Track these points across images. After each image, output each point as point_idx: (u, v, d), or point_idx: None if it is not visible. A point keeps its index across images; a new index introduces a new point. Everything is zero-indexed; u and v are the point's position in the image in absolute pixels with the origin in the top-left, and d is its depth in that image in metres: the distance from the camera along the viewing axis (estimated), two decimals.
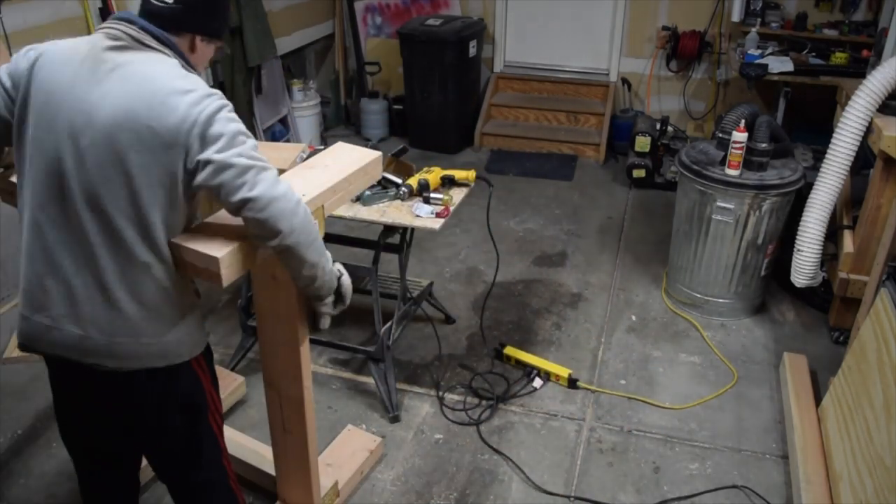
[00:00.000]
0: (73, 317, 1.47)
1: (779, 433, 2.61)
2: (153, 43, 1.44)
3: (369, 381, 2.83)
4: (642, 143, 4.52)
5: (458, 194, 2.60)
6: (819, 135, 3.83)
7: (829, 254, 3.12)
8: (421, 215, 2.45)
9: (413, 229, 2.59)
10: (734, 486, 2.38)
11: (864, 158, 3.13)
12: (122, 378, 1.53)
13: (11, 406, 2.72)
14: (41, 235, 1.47)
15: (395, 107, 5.40)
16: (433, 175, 2.61)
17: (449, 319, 3.21)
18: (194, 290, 1.61)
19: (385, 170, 2.66)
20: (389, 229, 2.52)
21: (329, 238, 3.36)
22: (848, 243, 2.99)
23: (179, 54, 1.49)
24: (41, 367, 2.90)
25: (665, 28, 5.05)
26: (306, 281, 1.60)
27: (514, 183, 4.69)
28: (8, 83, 1.47)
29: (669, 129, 4.79)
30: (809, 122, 4.52)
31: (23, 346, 1.57)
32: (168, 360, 1.55)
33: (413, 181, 2.57)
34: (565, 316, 3.30)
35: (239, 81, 4.22)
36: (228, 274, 1.49)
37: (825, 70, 4.12)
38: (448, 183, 2.63)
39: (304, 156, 2.76)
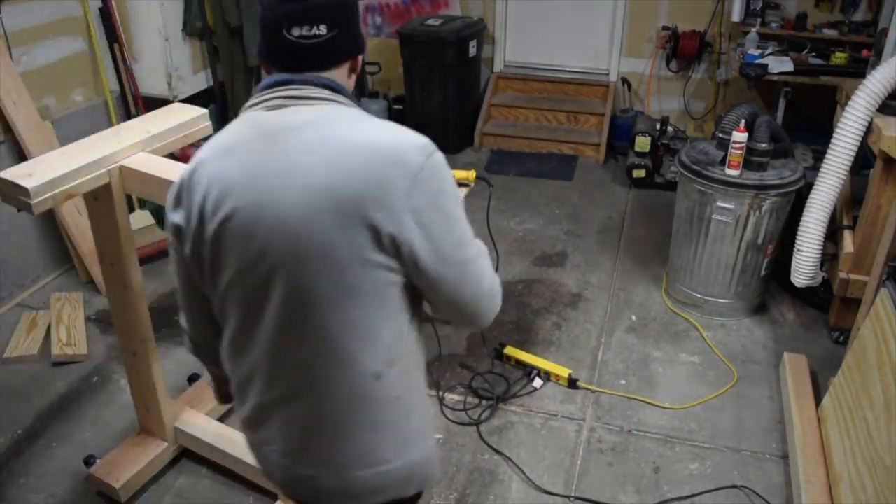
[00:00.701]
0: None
1: (779, 433, 2.61)
2: (321, 94, 1.14)
3: None
4: (642, 143, 4.52)
5: None
6: (819, 135, 3.83)
7: (829, 254, 3.12)
8: None
9: None
10: (734, 486, 2.38)
11: (864, 158, 3.13)
12: None
13: (11, 406, 2.72)
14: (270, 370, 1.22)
15: (395, 107, 5.39)
16: None
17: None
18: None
19: None
20: None
21: None
22: (848, 243, 2.98)
23: (348, 94, 1.19)
24: (41, 367, 2.92)
25: (665, 28, 5.05)
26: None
27: (514, 183, 4.69)
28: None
29: (669, 129, 4.78)
30: (809, 122, 4.52)
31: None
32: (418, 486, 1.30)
33: None
34: (565, 316, 3.30)
35: (239, 81, 4.22)
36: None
37: (825, 70, 4.12)
38: None
39: None
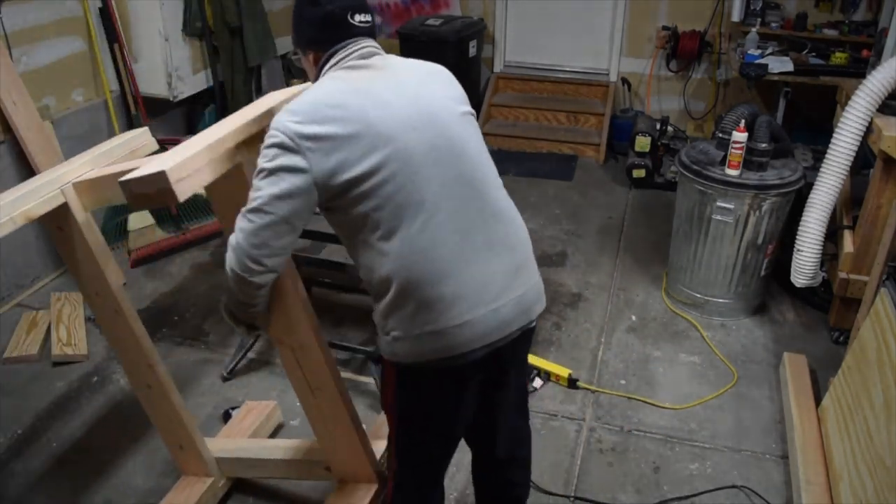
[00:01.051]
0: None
1: (779, 433, 2.61)
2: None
3: (369, 381, 2.83)
4: (642, 143, 4.52)
5: None
6: (819, 135, 3.83)
7: (829, 254, 3.12)
8: None
9: None
10: (734, 486, 2.38)
11: (864, 158, 3.13)
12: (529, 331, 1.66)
13: (11, 406, 2.72)
14: (439, 236, 1.52)
15: None
16: None
17: None
18: None
19: None
20: None
21: (329, 238, 3.37)
22: (848, 243, 2.98)
23: None
24: (41, 367, 2.92)
25: (665, 28, 5.05)
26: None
27: (514, 183, 4.69)
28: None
29: (669, 129, 4.79)
30: (809, 122, 4.52)
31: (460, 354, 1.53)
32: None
33: None
34: (565, 316, 3.30)
35: (239, 81, 4.22)
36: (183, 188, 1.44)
37: (825, 70, 4.12)
38: None
39: None
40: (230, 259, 1.49)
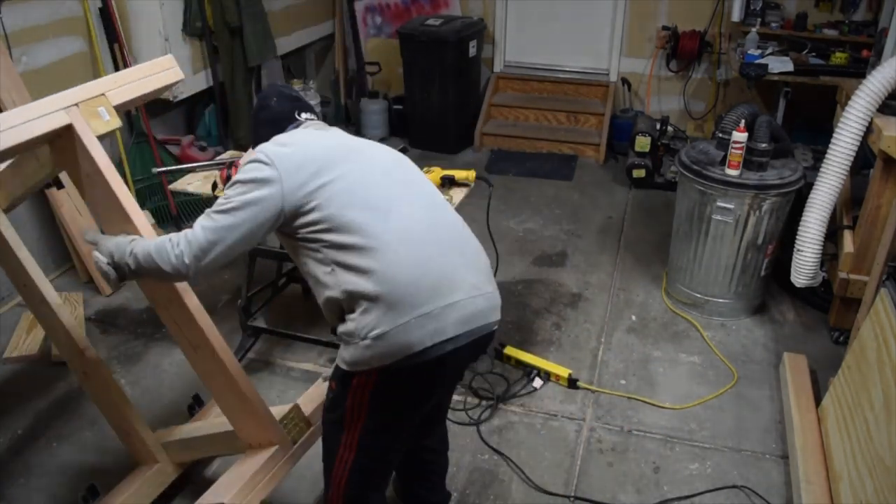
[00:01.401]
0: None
1: (779, 433, 2.61)
2: None
3: None
4: (642, 143, 4.52)
5: (458, 194, 2.60)
6: (819, 135, 3.83)
7: (829, 254, 3.12)
8: None
9: None
10: (734, 486, 2.38)
11: (864, 158, 3.13)
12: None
13: (11, 406, 2.72)
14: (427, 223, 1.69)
15: (395, 107, 5.39)
16: (433, 175, 2.61)
17: None
18: None
19: None
20: None
21: None
22: (848, 243, 2.98)
23: None
24: (41, 367, 2.92)
25: (665, 28, 5.05)
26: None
27: (514, 183, 4.69)
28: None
29: (669, 129, 4.79)
30: (809, 122, 4.52)
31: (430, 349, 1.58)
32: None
33: None
34: (565, 316, 3.30)
35: (239, 81, 4.22)
36: None
37: (825, 70, 4.12)
38: (448, 183, 2.64)
39: None
40: (176, 248, 1.58)
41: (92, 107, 1.85)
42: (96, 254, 1.72)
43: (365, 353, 1.58)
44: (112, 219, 1.82)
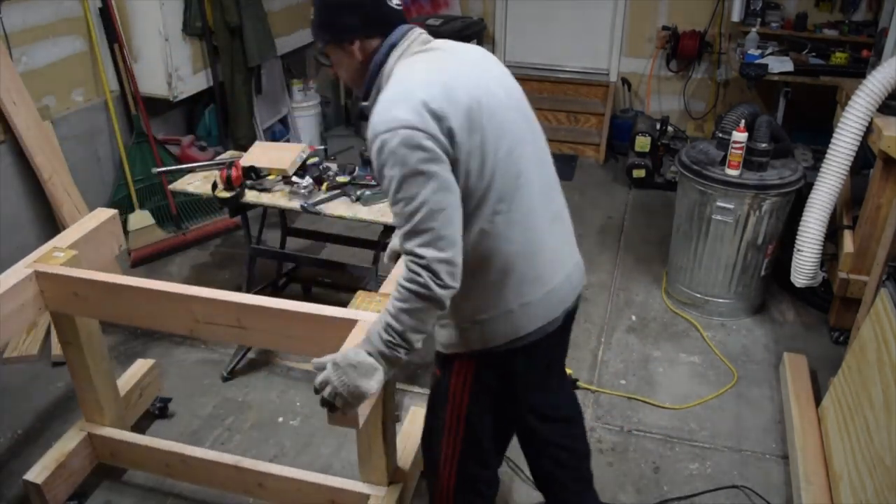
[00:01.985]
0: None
1: (779, 433, 2.61)
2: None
3: None
4: (642, 143, 4.52)
5: None
6: (819, 135, 3.83)
7: (829, 254, 3.12)
8: None
9: None
10: (734, 486, 2.38)
11: (864, 158, 3.13)
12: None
13: (11, 406, 2.72)
14: (527, 214, 1.56)
15: None
16: None
17: None
18: None
19: None
20: (389, 229, 2.52)
21: (329, 238, 3.37)
22: (848, 243, 2.98)
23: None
24: (41, 367, 2.91)
25: (665, 28, 5.05)
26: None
27: None
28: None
29: (669, 129, 4.79)
30: (809, 122, 4.52)
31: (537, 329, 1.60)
32: None
33: None
34: None
35: (239, 81, 4.22)
36: None
37: (825, 70, 4.12)
38: None
39: (304, 155, 2.76)
40: (422, 283, 1.36)
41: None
42: (364, 384, 1.46)
43: (468, 338, 1.56)
44: None
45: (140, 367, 2.65)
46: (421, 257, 1.35)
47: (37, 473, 2.18)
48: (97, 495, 2.34)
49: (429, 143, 1.33)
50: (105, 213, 2.27)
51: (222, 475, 2.21)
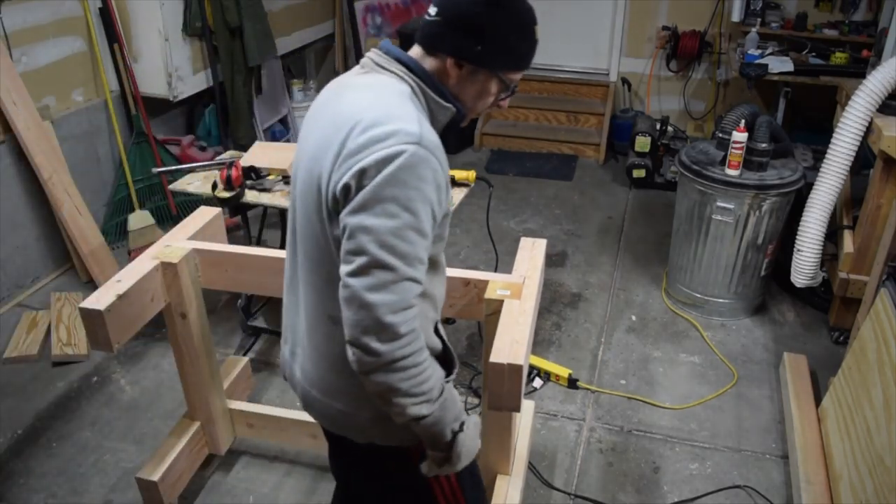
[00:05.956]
0: (295, 355, 1.43)
1: (779, 433, 2.61)
2: (390, 65, 1.23)
3: None
4: (642, 143, 4.52)
5: (457, 194, 2.60)
6: (819, 135, 3.83)
7: (829, 254, 3.12)
8: None
9: None
10: (737, 486, 2.38)
11: (864, 158, 3.13)
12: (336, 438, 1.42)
13: (11, 406, 2.72)
14: (289, 275, 1.40)
15: None
16: None
17: (448, 319, 3.21)
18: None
19: None
20: None
21: None
22: (848, 243, 2.98)
23: (426, 79, 1.24)
24: (41, 367, 2.92)
25: (665, 28, 5.05)
26: (399, 415, 1.19)
27: (514, 183, 4.69)
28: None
29: (669, 129, 4.79)
30: (809, 122, 4.52)
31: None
32: (367, 439, 1.36)
33: None
34: (565, 316, 3.30)
35: (239, 81, 4.22)
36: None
37: (825, 70, 4.11)
38: None
39: None
40: (381, 327, 1.10)
41: None
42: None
43: None
44: None
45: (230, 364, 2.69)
46: None
47: (151, 470, 2.18)
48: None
49: None
50: (211, 212, 2.28)
51: None
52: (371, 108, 1.15)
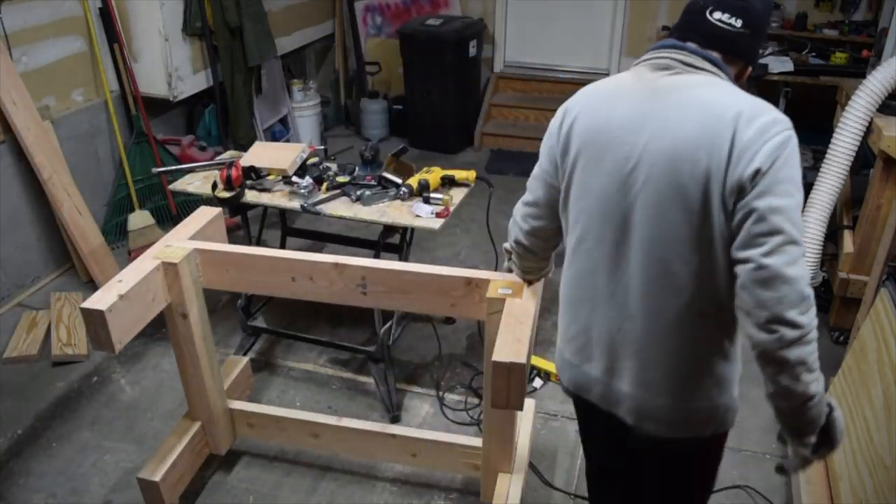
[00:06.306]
0: (616, 372, 1.43)
1: (779, 433, 2.61)
2: (706, 66, 1.28)
3: (369, 381, 2.82)
4: None
5: (458, 194, 2.60)
6: (819, 135, 3.83)
7: (829, 254, 3.12)
8: (421, 215, 2.45)
9: (413, 229, 2.59)
10: (737, 486, 2.38)
11: (864, 158, 3.13)
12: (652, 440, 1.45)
13: (11, 406, 2.72)
14: (590, 283, 1.40)
15: (395, 107, 5.39)
16: (433, 175, 2.61)
17: (449, 319, 3.21)
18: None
19: (385, 170, 2.67)
20: (389, 229, 2.52)
21: (329, 238, 3.37)
22: (848, 243, 2.98)
23: (731, 81, 1.31)
24: (41, 367, 2.92)
25: (665, 28, 5.05)
26: (796, 395, 1.29)
27: (514, 183, 4.68)
28: (549, 165, 1.44)
29: None
30: (809, 122, 4.52)
31: (567, 391, 1.59)
32: (711, 431, 1.47)
33: (413, 181, 2.57)
34: None
35: (239, 81, 4.22)
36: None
37: (825, 70, 4.12)
38: (448, 183, 2.64)
39: (304, 155, 2.76)
40: (802, 299, 1.18)
41: None
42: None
43: None
44: None
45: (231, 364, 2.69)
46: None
47: (152, 470, 2.18)
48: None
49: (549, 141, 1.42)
50: (211, 212, 2.29)
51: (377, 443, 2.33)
52: (739, 101, 1.23)
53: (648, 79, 1.30)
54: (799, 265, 1.18)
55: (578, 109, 1.37)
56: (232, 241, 3.98)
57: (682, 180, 1.22)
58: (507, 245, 1.72)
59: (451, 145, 5.17)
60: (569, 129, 1.37)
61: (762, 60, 4.15)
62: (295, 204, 2.56)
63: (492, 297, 1.78)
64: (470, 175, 2.67)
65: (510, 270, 1.80)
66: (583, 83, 1.54)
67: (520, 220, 1.58)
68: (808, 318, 1.19)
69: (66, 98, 3.57)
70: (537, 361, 2.88)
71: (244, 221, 2.86)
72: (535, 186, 1.50)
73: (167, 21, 3.75)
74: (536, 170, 1.48)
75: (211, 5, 3.95)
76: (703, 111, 1.22)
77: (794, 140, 1.22)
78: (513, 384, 1.57)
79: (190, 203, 4.01)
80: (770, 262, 1.16)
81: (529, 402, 2.48)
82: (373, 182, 2.62)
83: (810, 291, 1.19)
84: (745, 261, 1.19)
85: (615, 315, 1.38)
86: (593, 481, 1.81)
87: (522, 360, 1.55)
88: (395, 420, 2.64)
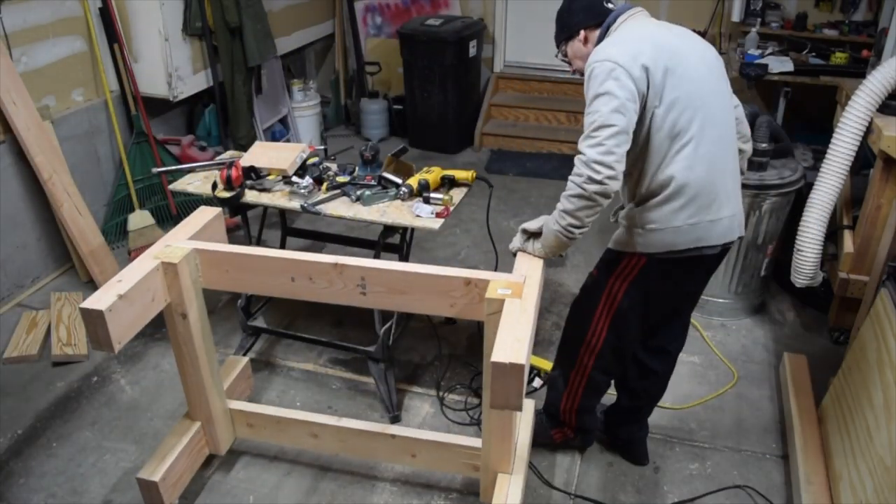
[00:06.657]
0: (733, 202, 1.97)
1: (779, 433, 2.61)
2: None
3: (369, 381, 2.83)
4: None
5: (458, 194, 2.60)
6: (819, 135, 3.83)
7: (829, 254, 3.12)
8: (421, 215, 2.45)
9: (413, 229, 2.59)
10: (737, 486, 2.38)
11: (864, 158, 3.13)
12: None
13: (11, 406, 2.72)
14: (709, 152, 1.87)
15: (395, 107, 5.39)
16: (433, 175, 2.61)
17: (449, 319, 3.21)
18: None
19: (385, 170, 2.67)
20: (389, 229, 2.52)
21: (329, 238, 3.37)
22: (848, 243, 2.98)
23: None
24: (41, 367, 2.92)
25: None
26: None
27: (514, 183, 4.69)
28: (632, 102, 1.80)
29: None
30: (809, 122, 4.52)
31: (685, 256, 1.93)
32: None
33: (413, 181, 2.57)
34: (565, 316, 3.29)
35: (239, 81, 4.22)
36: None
37: (825, 70, 4.11)
38: (448, 183, 2.63)
39: (304, 155, 2.76)
40: (581, 178, 1.80)
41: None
42: (537, 246, 2.01)
43: (635, 240, 1.94)
44: None
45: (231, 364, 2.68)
46: (584, 154, 1.80)
47: (152, 470, 2.18)
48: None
49: (623, 77, 1.75)
50: (211, 212, 2.30)
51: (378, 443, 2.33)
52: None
53: (657, 23, 1.96)
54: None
55: (649, 52, 1.80)
56: (232, 241, 3.99)
57: (721, 76, 1.96)
58: (564, 218, 1.92)
59: (450, 145, 5.17)
60: (653, 65, 1.78)
61: (762, 60, 4.15)
62: (295, 204, 2.56)
63: (491, 298, 1.78)
64: (470, 175, 2.67)
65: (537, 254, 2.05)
66: (583, 83, 1.66)
67: (613, 146, 1.78)
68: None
69: (66, 98, 3.57)
70: (537, 361, 2.88)
71: (244, 221, 2.86)
72: (619, 119, 1.76)
73: (167, 21, 3.75)
74: (615, 104, 1.76)
75: (211, 5, 3.95)
76: (696, 41, 1.97)
77: None
78: (512, 384, 1.57)
79: (190, 203, 4.01)
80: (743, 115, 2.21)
81: (529, 402, 2.48)
82: (373, 182, 2.62)
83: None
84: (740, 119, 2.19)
85: (729, 162, 1.95)
86: (628, 343, 2.18)
87: (522, 360, 1.55)
88: (395, 420, 2.65)
